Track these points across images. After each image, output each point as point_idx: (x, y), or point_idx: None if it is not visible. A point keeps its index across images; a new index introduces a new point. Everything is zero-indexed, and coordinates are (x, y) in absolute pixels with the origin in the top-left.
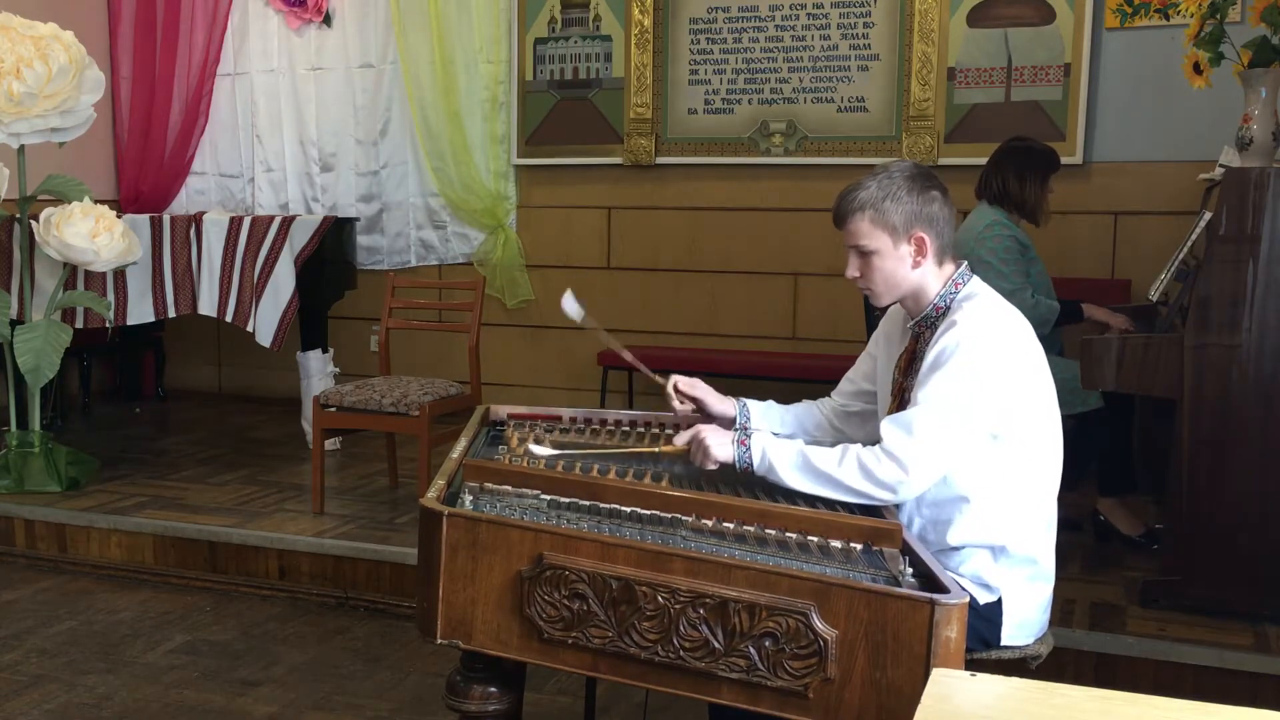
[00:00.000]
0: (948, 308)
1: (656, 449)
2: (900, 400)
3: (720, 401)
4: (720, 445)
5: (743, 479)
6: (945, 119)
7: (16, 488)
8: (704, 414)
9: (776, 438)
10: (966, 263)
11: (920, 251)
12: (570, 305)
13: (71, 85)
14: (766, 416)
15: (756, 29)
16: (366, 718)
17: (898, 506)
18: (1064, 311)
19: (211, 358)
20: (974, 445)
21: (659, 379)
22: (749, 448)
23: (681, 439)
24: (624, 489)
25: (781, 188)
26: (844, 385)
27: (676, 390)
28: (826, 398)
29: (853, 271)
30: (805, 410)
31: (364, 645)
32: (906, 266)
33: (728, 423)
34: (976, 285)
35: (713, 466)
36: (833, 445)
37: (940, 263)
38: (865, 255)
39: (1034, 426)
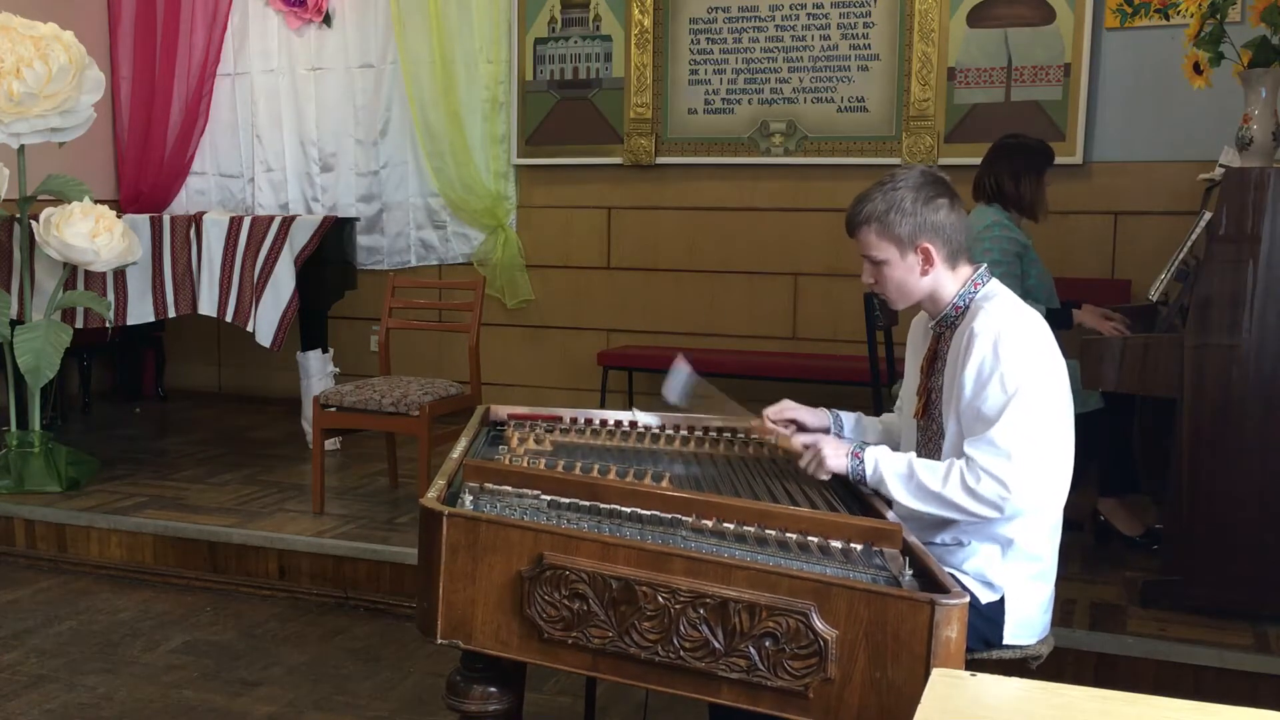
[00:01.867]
0: (967, 307)
1: (775, 440)
2: (926, 400)
3: (814, 415)
4: (835, 457)
5: (744, 481)
6: (945, 119)
7: (16, 488)
8: (801, 428)
9: (887, 450)
10: (986, 264)
11: (927, 261)
12: (677, 386)
13: (71, 85)
14: (856, 429)
15: (756, 29)
16: (366, 718)
17: None
18: (1050, 318)
19: (211, 358)
20: (1049, 446)
21: (753, 421)
22: (862, 460)
23: (800, 440)
24: (624, 489)
25: (781, 188)
26: (900, 401)
27: (771, 421)
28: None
29: (867, 279)
30: (892, 420)
31: (364, 645)
32: (915, 275)
33: (823, 431)
34: (995, 286)
35: (825, 476)
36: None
37: (954, 267)
38: (877, 264)
39: (1055, 424)
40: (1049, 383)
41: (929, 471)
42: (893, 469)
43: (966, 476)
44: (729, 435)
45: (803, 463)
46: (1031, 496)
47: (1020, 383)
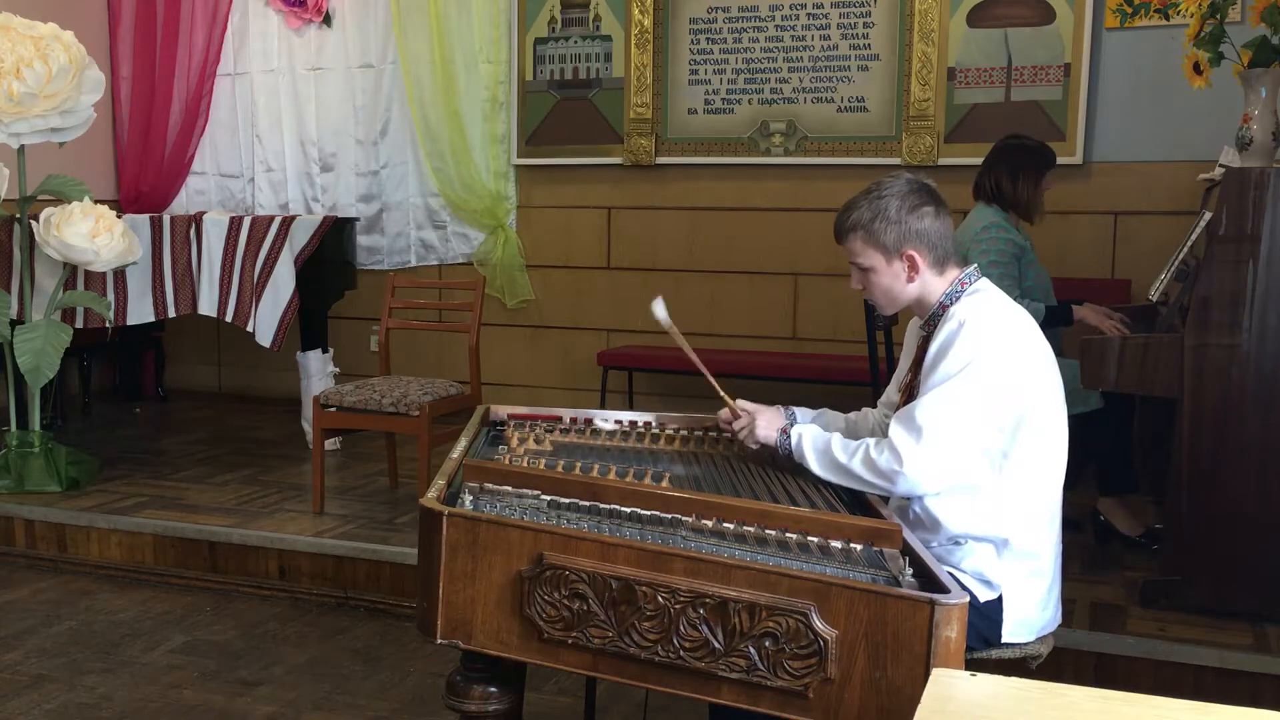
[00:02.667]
0: (953, 305)
1: (721, 394)
2: (909, 396)
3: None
4: (766, 427)
5: (744, 481)
6: (945, 119)
7: (16, 488)
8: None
9: (817, 429)
10: (976, 265)
11: (913, 267)
12: (661, 312)
13: (71, 85)
14: (816, 424)
15: (756, 29)
16: (366, 718)
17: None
18: (1051, 314)
19: (211, 358)
20: (975, 434)
21: (726, 399)
22: (788, 435)
23: (742, 403)
24: (624, 489)
25: (781, 188)
26: (885, 396)
27: (724, 424)
28: (877, 408)
29: (855, 284)
30: (861, 417)
31: (364, 645)
32: (901, 282)
33: None
34: (983, 284)
35: (754, 445)
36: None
37: (940, 271)
38: (864, 271)
39: (1040, 420)
40: (1004, 374)
41: (842, 447)
42: (812, 444)
43: (872, 450)
44: (729, 435)
45: (736, 425)
46: (931, 479)
47: (961, 368)
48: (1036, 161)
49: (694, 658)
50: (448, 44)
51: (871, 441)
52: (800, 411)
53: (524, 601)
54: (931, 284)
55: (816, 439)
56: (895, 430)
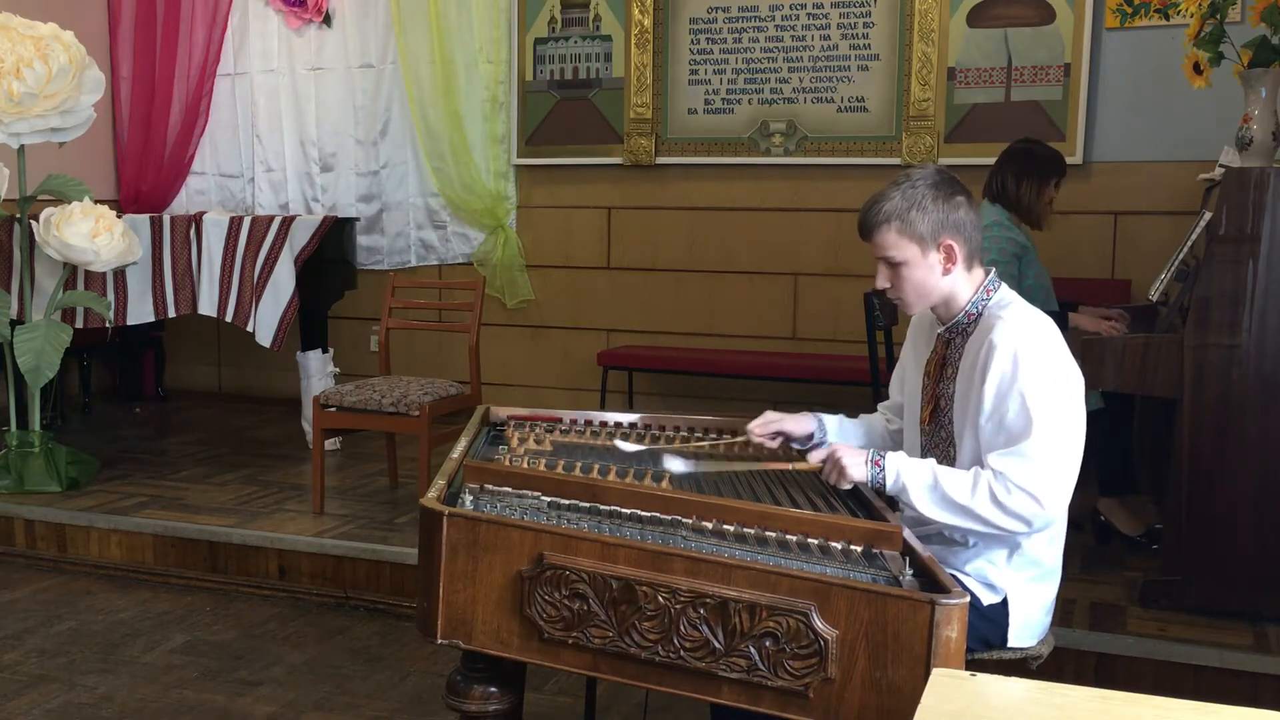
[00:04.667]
0: (980, 314)
1: (791, 466)
2: (935, 407)
3: (798, 423)
4: (855, 465)
5: (744, 482)
6: (945, 119)
7: (16, 488)
8: (788, 440)
9: (909, 459)
10: (995, 269)
11: (950, 258)
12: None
13: (71, 85)
14: (840, 433)
15: (756, 29)
16: (366, 718)
17: None
18: None
19: (211, 358)
20: (1078, 454)
21: (802, 466)
22: (883, 469)
23: (816, 457)
24: (624, 490)
25: (781, 188)
26: (888, 401)
27: (757, 435)
28: (879, 412)
29: (883, 282)
30: (874, 421)
31: (364, 645)
32: (936, 274)
33: (808, 439)
34: (1006, 293)
35: (847, 486)
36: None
37: (970, 268)
38: (894, 266)
39: (1077, 433)
40: (1069, 391)
41: (955, 481)
42: (916, 478)
43: (995, 489)
44: (729, 437)
45: (824, 475)
46: (1060, 509)
47: (1046, 395)
48: (1041, 168)
49: (694, 658)
50: (448, 44)
51: (988, 477)
52: (828, 419)
53: (524, 601)
54: (961, 282)
55: (918, 470)
56: (1015, 471)
